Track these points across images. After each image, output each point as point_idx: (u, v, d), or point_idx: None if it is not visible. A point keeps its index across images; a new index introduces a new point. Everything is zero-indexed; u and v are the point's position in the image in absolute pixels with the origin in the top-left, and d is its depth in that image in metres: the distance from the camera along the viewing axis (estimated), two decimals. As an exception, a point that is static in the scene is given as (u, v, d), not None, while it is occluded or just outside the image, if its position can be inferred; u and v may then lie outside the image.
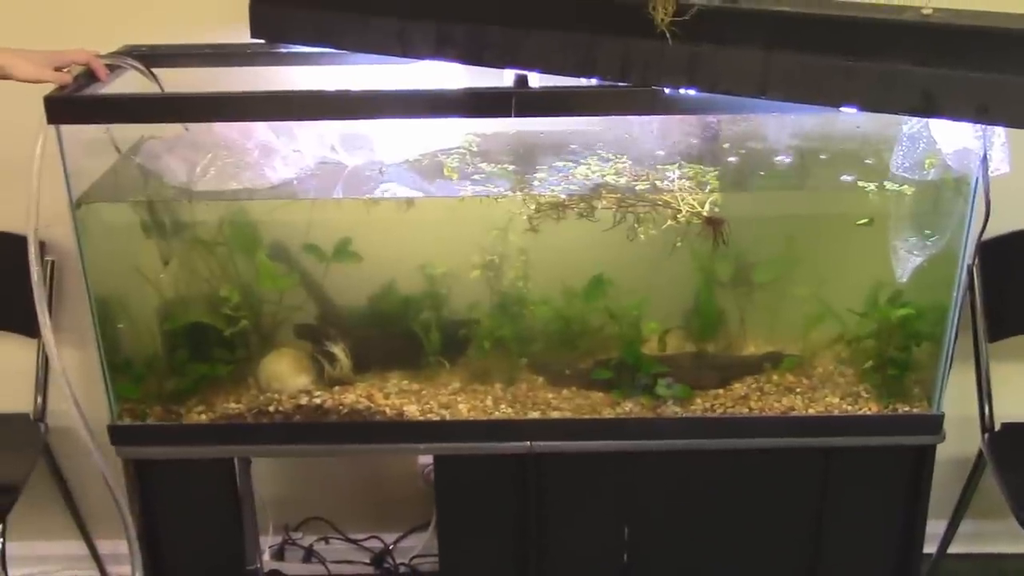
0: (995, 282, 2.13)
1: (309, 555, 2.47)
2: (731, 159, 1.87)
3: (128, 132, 1.89)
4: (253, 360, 1.88)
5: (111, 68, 1.73)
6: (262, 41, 1.81)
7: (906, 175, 1.72)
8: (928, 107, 1.33)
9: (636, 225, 1.73)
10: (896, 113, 1.39)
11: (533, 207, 1.74)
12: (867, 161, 1.82)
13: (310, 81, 1.87)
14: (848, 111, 1.40)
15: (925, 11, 1.35)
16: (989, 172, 1.61)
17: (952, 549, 2.31)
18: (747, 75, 1.42)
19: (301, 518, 2.47)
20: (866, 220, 1.74)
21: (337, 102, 1.63)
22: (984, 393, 2.16)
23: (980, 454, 2.17)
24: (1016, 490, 1.99)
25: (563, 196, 1.74)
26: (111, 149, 1.87)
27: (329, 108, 1.66)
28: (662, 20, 1.42)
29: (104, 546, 2.44)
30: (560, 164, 1.85)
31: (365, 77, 1.80)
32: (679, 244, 1.74)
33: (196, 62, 1.87)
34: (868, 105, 1.38)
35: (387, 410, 1.85)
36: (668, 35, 1.42)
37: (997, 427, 2.16)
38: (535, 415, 1.85)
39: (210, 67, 1.88)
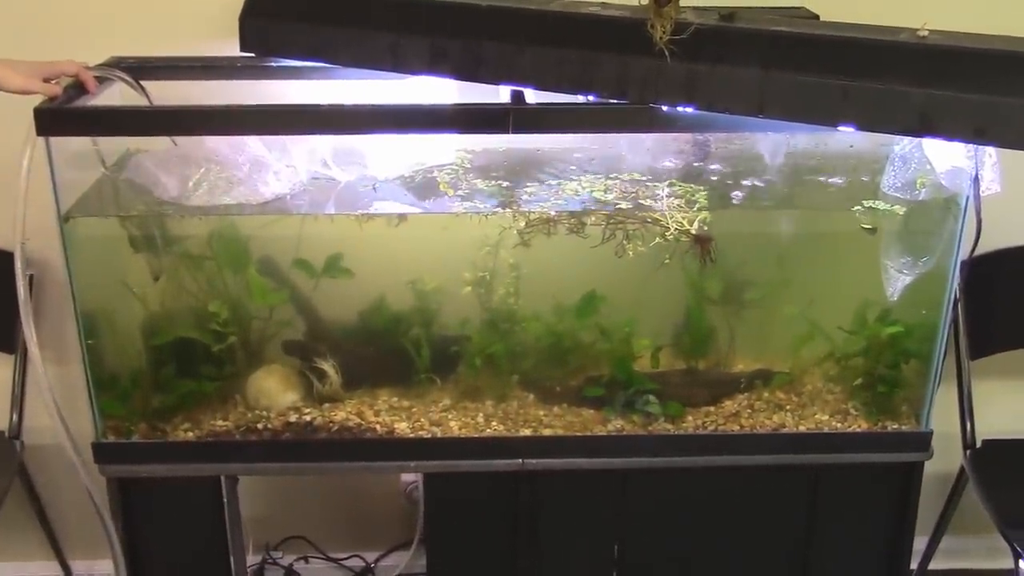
0: (977, 300, 2.15)
1: (290, 575, 2.43)
2: (722, 177, 1.88)
3: (113, 145, 1.87)
4: (241, 377, 1.85)
5: (99, 80, 1.70)
6: (252, 55, 1.79)
7: (897, 195, 1.74)
8: (925, 128, 1.34)
9: (625, 242, 1.73)
10: (893, 133, 1.40)
11: (523, 223, 1.74)
12: (861, 179, 1.84)
13: (301, 95, 1.85)
14: (845, 130, 1.41)
15: (921, 33, 1.37)
16: (980, 192, 1.64)
17: (933, 565, 2.33)
18: (744, 94, 1.43)
19: (281, 537, 2.44)
20: (872, 226, 1.76)
21: (330, 116, 1.61)
22: (966, 410, 2.19)
23: (961, 470, 2.20)
24: (1000, 505, 2.01)
25: (552, 212, 1.74)
26: (95, 162, 1.84)
27: (322, 122, 1.64)
28: (660, 38, 1.42)
29: (79, 567, 2.40)
30: (552, 181, 1.85)
31: (357, 92, 1.79)
32: (667, 261, 1.74)
33: (185, 75, 1.85)
34: (865, 125, 1.38)
35: (377, 427, 1.83)
36: (666, 53, 1.43)
37: (978, 444, 2.19)
38: (526, 432, 1.84)
39: (199, 80, 1.86)
